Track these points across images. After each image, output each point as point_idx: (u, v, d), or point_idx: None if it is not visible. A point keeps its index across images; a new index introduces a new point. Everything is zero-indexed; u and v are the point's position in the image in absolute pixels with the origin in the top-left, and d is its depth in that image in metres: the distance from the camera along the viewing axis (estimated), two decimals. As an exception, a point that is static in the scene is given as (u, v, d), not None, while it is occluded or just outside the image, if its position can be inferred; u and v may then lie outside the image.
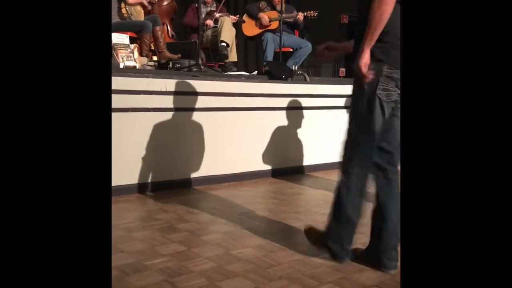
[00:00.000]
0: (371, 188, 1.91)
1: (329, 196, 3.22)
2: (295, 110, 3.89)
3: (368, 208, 1.93)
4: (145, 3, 4.36)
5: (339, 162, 1.95)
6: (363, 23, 1.73)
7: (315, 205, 2.97)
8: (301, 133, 3.97)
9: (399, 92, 1.75)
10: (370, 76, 1.73)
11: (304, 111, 3.96)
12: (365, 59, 1.71)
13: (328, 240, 1.93)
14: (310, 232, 2.10)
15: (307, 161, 4.03)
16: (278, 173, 3.79)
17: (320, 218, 2.60)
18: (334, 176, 3.86)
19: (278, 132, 3.79)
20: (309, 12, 4.77)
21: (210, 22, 4.83)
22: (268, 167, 3.75)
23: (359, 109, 1.81)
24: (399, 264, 1.88)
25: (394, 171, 1.86)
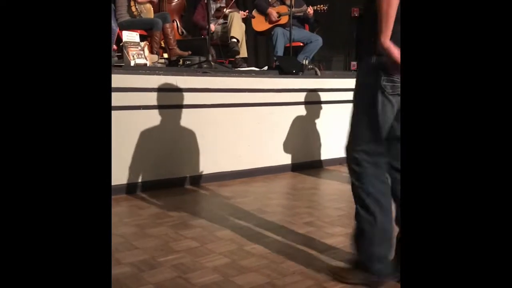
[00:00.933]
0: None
1: (342, 190, 3.22)
2: (307, 105, 3.88)
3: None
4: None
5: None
6: (367, 16, 1.67)
7: (328, 199, 2.96)
8: (314, 127, 3.95)
9: None
10: None
11: (316, 106, 3.94)
12: (395, 51, 1.56)
13: (367, 261, 1.69)
14: (336, 269, 1.84)
15: (321, 155, 4.01)
16: (290, 168, 3.78)
17: (332, 212, 2.60)
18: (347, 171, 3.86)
19: (290, 127, 3.77)
20: (319, 6, 4.73)
21: (213, 28, 4.80)
22: (281, 163, 3.74)
23: (366, 102, 1.70)
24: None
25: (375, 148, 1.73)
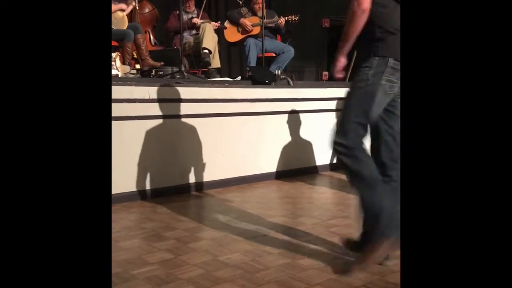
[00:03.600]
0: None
1: (316, 198, 3.25)
2: (280, 114, 3.91)
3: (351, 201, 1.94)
4: (125, 8, 4.35)
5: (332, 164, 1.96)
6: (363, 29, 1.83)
7: (300, 208, 2.98)
8: (287, 136, 3.98)
9: (399, 85, 1.80)
10: (340, 74, 1.89)
11: (289, 115, 3.98)
12: (342, 61, 1.88)
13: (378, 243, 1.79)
14: (349, 242, 2.02)
15: (296, 164, 4.04)
16: (265, 177, 3.79)
17: (307, 221, 2.61)
18: (320, 180, 3.90)
19: (264, 137, 3.79)
20: (290, 17, 4.80)
21: (197, 20, 4.82)
22: (255, 172, 3.74)
23: (359, 99, 1.81)
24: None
25: (395, 166, 1.89)
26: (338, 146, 1.81)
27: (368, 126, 1.84)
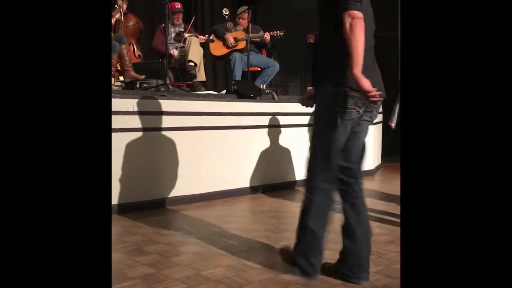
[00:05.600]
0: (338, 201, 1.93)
1: (299, 212, 3.23)
2: (264, 128, 3.92)
3: (337, 221, 1.94)
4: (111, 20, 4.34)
5: (304, 178, 1.95)
6: (326, 44, 1.82)
7: (284, 222, 2.97)
8: (272, 150, 3.99)
9: (360, 110, 1.80)
10: (377, 93, 1.70)
11: (274, 129, 3.99)
12: (366, 83, 1.68)
13: (296, 255, 1.93)
14: (284, 251, 2.09)
15: (280, 177, 4.04)
16: (249, 191, 3.78)
17: (290, 235, 2.60)
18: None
19: (248, 151, 3.79)
20: (275, 32, 4.85)
21: (175, 52, 4.84)
22: (239, 186, 3.73)
23: (322, 126, 1.85)
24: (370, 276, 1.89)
25: (356, 182, 1.90)
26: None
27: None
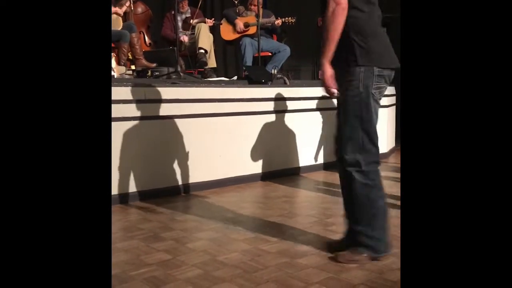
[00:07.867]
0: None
1: (313, 197, 3.24)
2: (276, 114, 3.91)
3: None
4: (120, 12, 4.33)
5: (337, 162, 1.95)
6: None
7: (299, 207, 2.97)
8: (284, 135, 3.98)
9: (387, 85, 1.88)
10: (335, 88, 1.81)
11: (286, 114, 3.97)
12: (328, 71, 1.79)
13: (367, 240, 1.90)
14: (332, 246, 2.09)
15: (293, 162, 4.04)
16: (262, 177, 3.79)
17: (304, 220, 2.61)
18: (318, 177, 3.90)
19: (261, 136, 3.79)
20: (287, 18, 4.79)
21: (185, 38, 4.81)
22: (253, 172, 3.74)
23: (356, 110, 1.83)
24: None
25: (377, 151, 1.90)
26: (347, 163, 1.86)
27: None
